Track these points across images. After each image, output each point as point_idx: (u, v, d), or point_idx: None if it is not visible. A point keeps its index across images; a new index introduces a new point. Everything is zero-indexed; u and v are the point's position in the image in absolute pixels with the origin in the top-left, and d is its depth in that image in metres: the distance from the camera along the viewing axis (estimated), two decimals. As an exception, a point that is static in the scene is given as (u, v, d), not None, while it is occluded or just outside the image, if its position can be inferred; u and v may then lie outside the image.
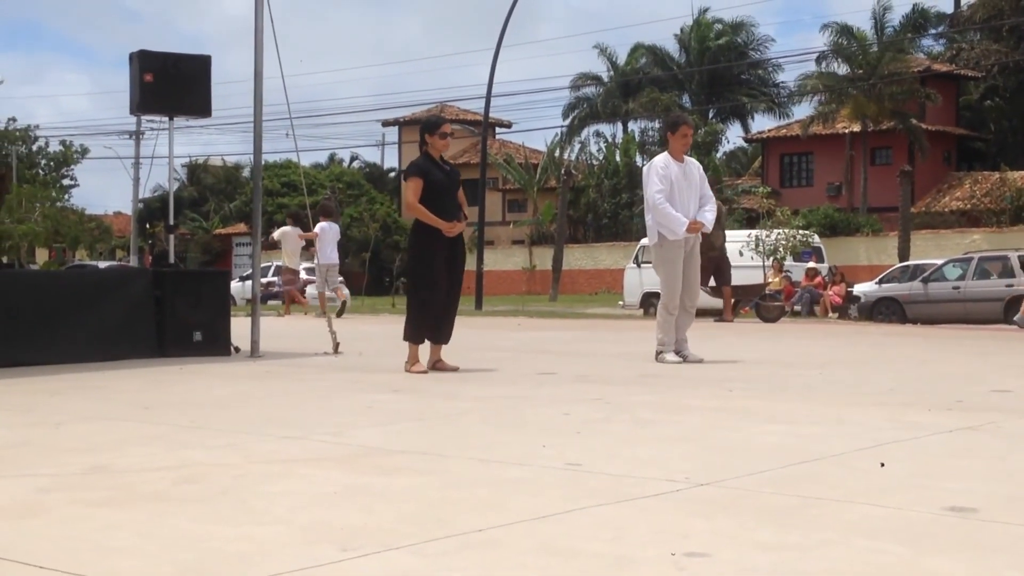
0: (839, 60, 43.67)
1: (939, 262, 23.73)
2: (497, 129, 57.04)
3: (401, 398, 6.54)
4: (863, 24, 44.52)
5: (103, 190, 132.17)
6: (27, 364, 8.61)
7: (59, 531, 3.13)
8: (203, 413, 5.92)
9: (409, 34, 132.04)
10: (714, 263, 16.56)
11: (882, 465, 4.04)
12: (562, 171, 42.49)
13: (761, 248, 24.58)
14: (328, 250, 18.18)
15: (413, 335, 8.25)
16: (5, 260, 29.96)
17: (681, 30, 53.46)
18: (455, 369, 8.18)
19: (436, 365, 8.23)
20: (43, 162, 52.94)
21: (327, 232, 18.12)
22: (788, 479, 3.84)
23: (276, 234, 19.15)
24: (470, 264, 10.12)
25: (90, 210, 53.14)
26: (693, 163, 9.34)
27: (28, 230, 42.70)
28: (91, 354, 9.10)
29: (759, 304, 19.18)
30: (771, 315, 18.34)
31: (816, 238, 27.65)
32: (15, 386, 7.38)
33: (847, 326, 18.28)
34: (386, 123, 60.43)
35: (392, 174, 61.05)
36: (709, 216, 9.20)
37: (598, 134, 53.51)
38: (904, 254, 32.44)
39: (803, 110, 46.52)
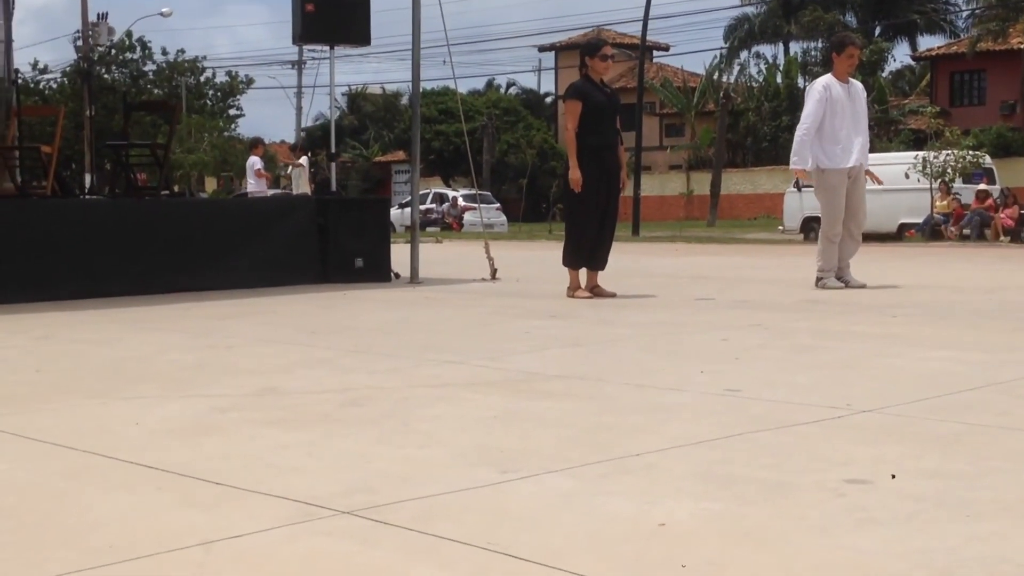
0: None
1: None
2: (655, 52, 56.14)
3: (558, 324, 6.59)
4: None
5: (268, 120, 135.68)
6: (198, 290, 8.95)
7: (235, 450, 3.27)
8: (366, 338, 6.08)
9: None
10: None
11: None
12: (721, 94, 41.71)
13: (928, 170, 23.77)
14: (251, 181, 20.31)
15: (572, 261, 8.29)
16: (176, 189, 31.05)
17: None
18: (612, 295, 8.19)
19: (593, 291, 8.25)
20: (210, 93, 54.28)
21: (253, 164, 20.22)
22: (954, 406, 3.75)
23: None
24: (627, 190, 10.05)
25: (255, 140, 54.33)
26: (858, 86, 9.09)
27: (198, 160, 44.06)
28: (258, 280, 9.41)
29: None
30: None
31: (987, 159, 26.54)
32: (189, 311, 7.69)
33: (1020, 250, 17.62)
34: (543, 48, 60.05)
35: (549, 100, 60.82)
36: (862, 158, 8.94)
37: (758, 55, 52.24)
38: (1083, 174, 30.99)
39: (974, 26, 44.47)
